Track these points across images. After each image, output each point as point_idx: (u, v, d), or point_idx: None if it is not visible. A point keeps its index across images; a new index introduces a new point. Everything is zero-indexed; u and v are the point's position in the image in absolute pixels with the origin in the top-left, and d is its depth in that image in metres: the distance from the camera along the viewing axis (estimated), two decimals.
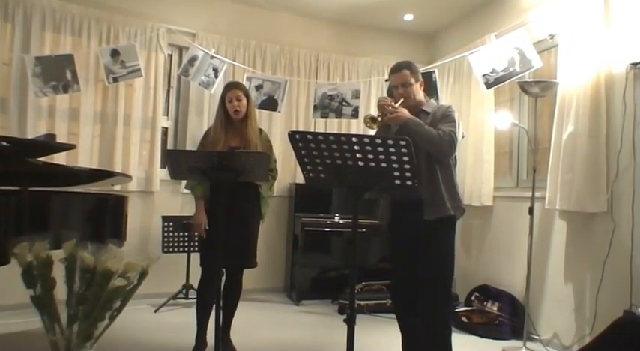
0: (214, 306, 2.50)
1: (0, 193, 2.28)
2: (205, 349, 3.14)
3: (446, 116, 2.69)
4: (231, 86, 3.29)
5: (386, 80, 5.04)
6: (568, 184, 3.45)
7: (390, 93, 2.99)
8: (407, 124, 2.62)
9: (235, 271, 3.20)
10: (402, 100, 2.74)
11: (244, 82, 4.73)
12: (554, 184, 3.58)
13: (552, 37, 3.95)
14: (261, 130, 3.35)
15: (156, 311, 4.24)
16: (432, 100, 2.89)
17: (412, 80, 2.77)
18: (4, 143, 2.17)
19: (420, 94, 2.82)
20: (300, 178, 4.81)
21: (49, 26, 4.25)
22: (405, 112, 2.66)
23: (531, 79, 3.75)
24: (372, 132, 2.86)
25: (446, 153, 2.62)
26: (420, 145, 2.54)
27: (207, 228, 3.15)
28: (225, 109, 3.21)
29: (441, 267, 2.68)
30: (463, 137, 2.78)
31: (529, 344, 3.56)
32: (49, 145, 3.13)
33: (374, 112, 5.24)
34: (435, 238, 2.65)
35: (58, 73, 4.12)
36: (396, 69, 2.81)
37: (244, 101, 3.21)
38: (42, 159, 2.55)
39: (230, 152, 2.96)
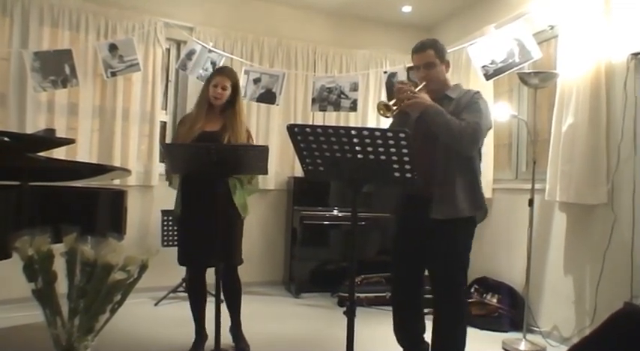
0: (215, 300, 2.50)
1: (0, 188, 2.28)
2: (206, 342, 3.15)
3: (472, 104, 2.42)
4: (222, 72, 3.13)
5: (384, 72, 5.04)
6: (568, 176, 3.45)
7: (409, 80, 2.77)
8: (426, 112, 2.38)
9: (223, 269, 2.95)
10: (423, 84, 2.48)
11: (242, 76, 4.73)
12: (554, 175, 3.57)
13: (552, 27, 3.94)
14: None
15: (156, 304, 4.26)
16: (459, 84, 2.65)
17: (437, 61, 2.50)
18: (4, 138, 2.16)
19: (444, 76, 2.55)
20: (298, 172, 4.81)
21: (47, 21, 4.24)
22: (425, 97, 2.40)
23: (531, 70, 3.73)
24: (387, 121, 2.61)
25: (466, 147, 2.37)
26: (439, 136, 2.39)
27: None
28: (208, 92, 3.05)
29: (451, 271, 2.47)
30: (490, 128, 2.52)
31: (529, 336, 3.57)
32: (49, 139, 3.12)
33: (372, 104, 5.32)
34: (444, 239, 2.43)
35: (56, 67, 4.12)
36: (419, 48, 2.53)
37: (229, 91, 3.05)
38: (41, 154, 2.55)
39: (229, 146, 2.91)
